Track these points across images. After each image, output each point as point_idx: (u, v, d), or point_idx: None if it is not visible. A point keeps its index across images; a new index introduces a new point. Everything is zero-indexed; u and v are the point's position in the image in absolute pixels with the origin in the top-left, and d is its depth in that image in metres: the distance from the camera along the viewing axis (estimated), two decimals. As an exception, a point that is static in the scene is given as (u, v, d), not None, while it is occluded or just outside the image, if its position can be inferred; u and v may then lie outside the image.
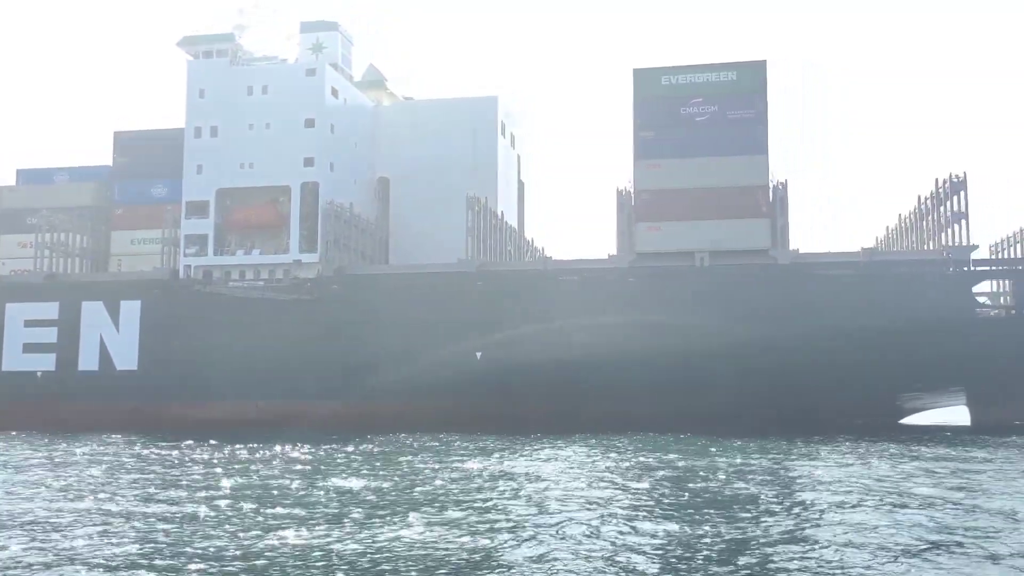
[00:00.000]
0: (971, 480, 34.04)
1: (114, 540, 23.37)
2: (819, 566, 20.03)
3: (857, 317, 62.58)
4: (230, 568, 20.42)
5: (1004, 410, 65.34)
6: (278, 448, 49.86)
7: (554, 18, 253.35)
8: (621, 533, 23.87)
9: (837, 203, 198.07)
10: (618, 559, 20.80)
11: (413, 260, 77.41)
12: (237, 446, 51.20)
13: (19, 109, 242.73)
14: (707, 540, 22.87)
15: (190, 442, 54.14)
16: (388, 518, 26.15)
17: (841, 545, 21.92)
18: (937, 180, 68.19)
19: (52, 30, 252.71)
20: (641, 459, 43.23)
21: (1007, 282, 70.47)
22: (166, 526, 25.32)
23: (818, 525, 24.73)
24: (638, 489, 32.48)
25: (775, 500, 29.76)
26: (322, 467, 40.83)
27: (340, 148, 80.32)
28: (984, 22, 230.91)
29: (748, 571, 19.77)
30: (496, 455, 45.47)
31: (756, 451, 46.08)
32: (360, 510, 27.81)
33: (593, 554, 21.28)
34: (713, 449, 47.08)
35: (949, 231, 66.40)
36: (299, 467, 40.95)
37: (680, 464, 40.65)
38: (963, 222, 65.54)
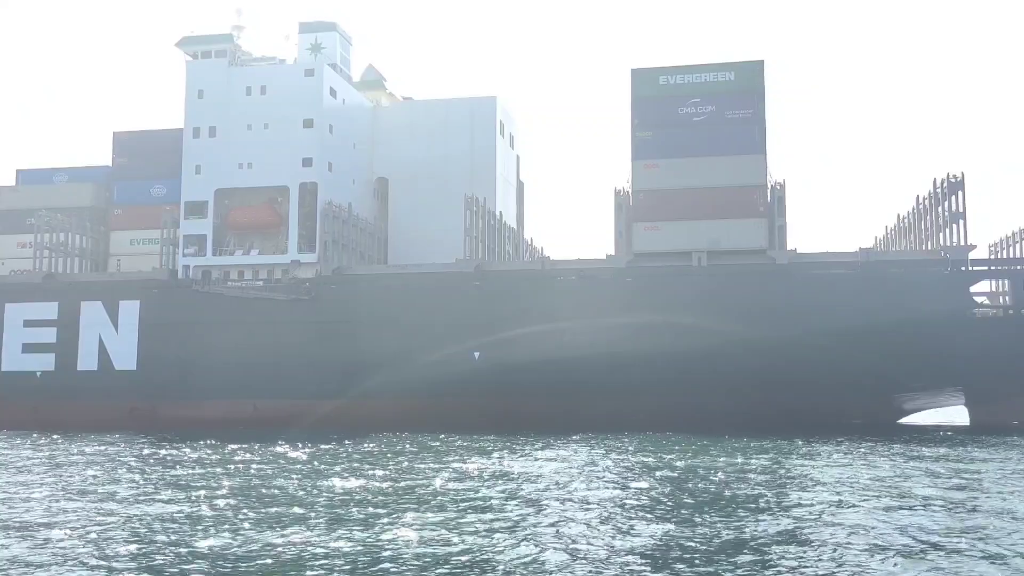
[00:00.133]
0: (970, 480, 34.06)
1: (114, 540, 23.38)
2: (818, 566, 20.05)
3: (855, 317, 62.61)
4: (230, 568, 20.43)
5: (1003, 410, 65.38)
6: (277, 448, 49.85)
7: (553, 18, 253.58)
8: (620, 533, 23.90)
9: (835, 203, 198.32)
10: (617, 559, 20.83)
11: (412, 260, 77.34)
12: (235, 446, 51.16)
13: (19, 109, 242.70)
14: (706, 540, 22.89)
15: (188, 442, 54.11)
16: (387, 518, 26.16)
17: (840, 545, 21.95)
18: (935, 180, 68.28)
19: (52, 30, 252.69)
20: (640, 459, 43.25)
21: (1005, 282, 70.54)
22: (165, 526, 25.33)
23: (817, 525, 24.74)
24: (637, 489, 32.48)
25: (774, 500, 29.76)
26: (321, 467, 40.81)
27: (339, 148, 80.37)
28: (984, 22, 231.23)
29: (748, 571, 19.80)
30: (495, 455, 45.46)
31: (755, 451, 46.07)
32: (359, 510, 27.83)
33: (592, 554, 21.30)
34: (712, 449, 47.10)
35: (947, 231, 66.46)
36: (297, 467, 40.94)
37: (678, 464, 40.66)
38: (961, 222, 65.61)
